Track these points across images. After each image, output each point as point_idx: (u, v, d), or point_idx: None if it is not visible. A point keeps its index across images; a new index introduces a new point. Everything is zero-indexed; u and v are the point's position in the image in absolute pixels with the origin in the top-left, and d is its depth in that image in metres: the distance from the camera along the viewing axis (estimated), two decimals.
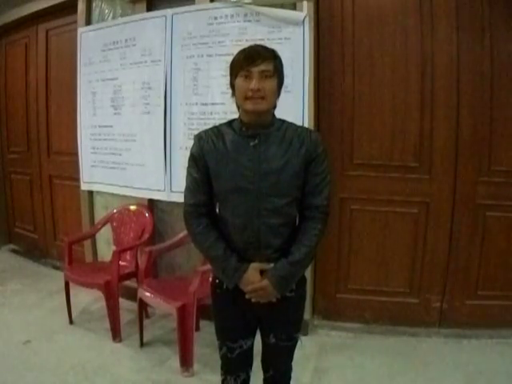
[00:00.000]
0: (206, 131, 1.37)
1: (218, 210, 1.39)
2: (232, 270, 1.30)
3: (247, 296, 1.32)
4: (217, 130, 1.35)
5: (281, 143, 1.30)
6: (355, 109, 2.55)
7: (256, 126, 1.29)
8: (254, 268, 1.31)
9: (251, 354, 1.49)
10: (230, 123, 1.36)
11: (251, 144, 1.29)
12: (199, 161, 1.33)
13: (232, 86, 1.31)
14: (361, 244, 2.64)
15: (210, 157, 1.32)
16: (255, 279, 1.30)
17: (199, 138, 1.36)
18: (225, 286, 1.37)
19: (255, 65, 1.22)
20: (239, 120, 1.33)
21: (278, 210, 1.29)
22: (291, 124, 1.37)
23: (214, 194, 1.35)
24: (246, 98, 1.24)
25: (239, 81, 1.25)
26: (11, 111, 4.13)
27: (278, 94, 1.32)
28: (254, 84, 1.22)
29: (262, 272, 1.31)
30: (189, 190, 1.37)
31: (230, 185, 1.30)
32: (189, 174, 1.37)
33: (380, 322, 2.65)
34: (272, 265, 1.31)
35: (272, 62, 1.25)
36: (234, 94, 1.31)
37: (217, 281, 1.41)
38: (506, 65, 2.38)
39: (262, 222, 1.29)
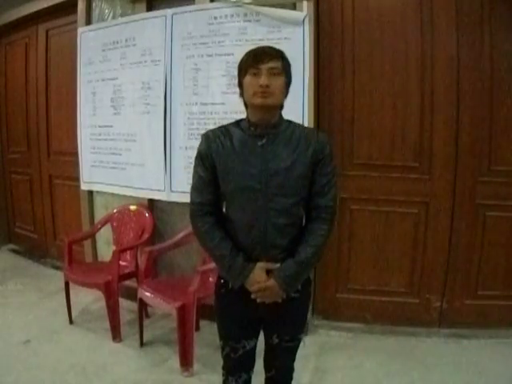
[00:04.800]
0: (213, 130, 1.37)
1: (224, 210, 1.39)
2: (238, 269, 1.30)
3: (253, 296, 1.31)
4: (224, 130, 1.36)
5: (288, 143, 1.31)
6: (355, 109, 2.55)
7: (264, 125, 1.30)
8: (260, 267, 1.31)
9: (254, 354, 1.49)
10: (238, 123, 1.36)
11: (259, 143, 1.30)
12: (206, 160, 1.33)
13: (240, 85, 1.32)
14: (361, 244, 2.64)
15: (218, 156, 1.32)
16: (261, 279, 1.30)
17: (206, 137, 1.36)
18: (230, 286, 1.37)
19: (264, 62, 1.24)
20: (247, 120, 1.34)
21: (285, 210, 1.30)
22: (298, 125, 1.38)
23: (221, 193, 1.35)
24: (255, 94, 1.25)
25: (248, 78, 1.26)
26: (11, 111, 4.13)
27: (286, 94, 1.33)
28: (263, 80, 1.23)
29: (268, 272, 1.31)
30: (195, 189, 1.37)
31: (238, 184, 1.30)
32: (195, 172, 1.37)
33: (380, 322, 2.65)
34: (278, 265, 1.31)
35: (280, 60, 1.27)
36: (241, 94, 1.32)
37: (221, 281, 1.41)
38: (505, 65, 2.38)
39: (269, 221, 1.29)
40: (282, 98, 1.31)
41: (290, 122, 1.37)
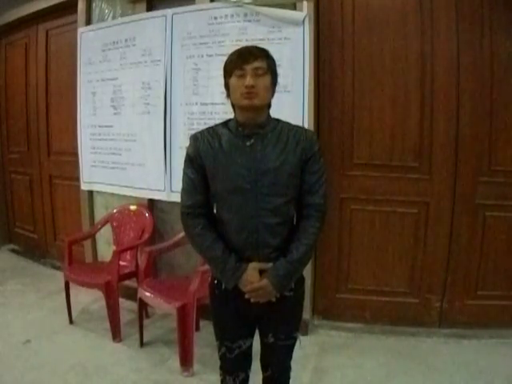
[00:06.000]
0: (201, 132, 1.37)
1: (215, 211, 1.39)
2: (231, 270, 1.30)
3: (247, 296, 1.31)
4: (212, 131, 1.36)
5: (277, 142, 1.31)
6: (355, 109, 2.55)
7: (252, 125, 1.30)
8: (253, 268, 1.31)
9: (250, 353, 1.49)
10: (226, 123, 1.37)
11: (247, 144, 1.30)
12: (195, 161, 1.33)
13: (227, 86, 1.32)
14: (361, 244, 2.64)
15: (207, 157, 1.32)
16: (254, 279, 1.30)
17: (195, 138, 1.36)
18: (223, 287, 1.37)
19: (249, 62, 1.24)
20: (235, 120, 1.34)
21: (276, 210, 1.30)
22: (286, 123, 1.37)
23: (211, 194, 1.35)
24: (241, 95, 1.25)
25: (234, 80, 1.27)
26: (11, 111, 4.12)
27: (273, 93, 1.33)
28: (248, 80, 1.23)
29: (261, 272, 1.31)
30: (185, 191, 1.37)
31: (228, 185, 1.30)
32: (185, 174, 1.37)
33: (380, 321, 2.65)
34: (271, 264, 1.31)
35: (265, 60, 1.27)
36: (228, 94, 1.32)
37: (215, 281, 1.41)
38: (505, 64, 2.38)
39: (260, 221, 1.29)
40: (269, 98, 1.31)
41: (278, 120, 1.37)
